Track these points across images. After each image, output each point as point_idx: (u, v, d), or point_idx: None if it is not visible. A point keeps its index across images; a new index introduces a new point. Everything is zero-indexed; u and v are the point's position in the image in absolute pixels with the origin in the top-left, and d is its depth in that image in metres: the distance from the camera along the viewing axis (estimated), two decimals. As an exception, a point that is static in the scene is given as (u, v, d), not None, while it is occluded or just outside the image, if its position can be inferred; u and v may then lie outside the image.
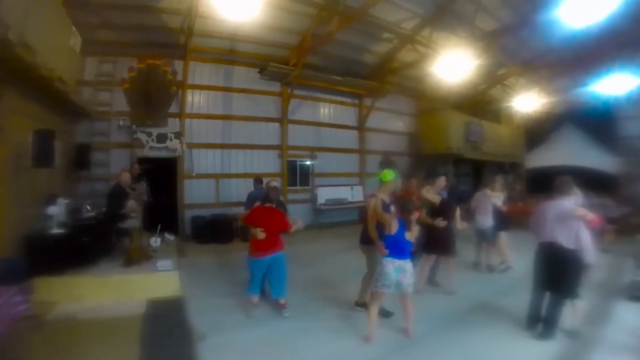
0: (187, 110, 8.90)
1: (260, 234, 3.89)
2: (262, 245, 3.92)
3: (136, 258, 5.02)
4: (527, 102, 13.35)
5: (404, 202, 3.78)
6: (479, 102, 15.95)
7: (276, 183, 4.83)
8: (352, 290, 4.45)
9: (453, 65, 9.13)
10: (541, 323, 3.78)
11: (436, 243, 4.89)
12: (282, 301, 4.10)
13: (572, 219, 3.59)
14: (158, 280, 4.63)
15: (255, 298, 4.07)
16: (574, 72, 13.27)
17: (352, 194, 11.82)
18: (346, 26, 8.77)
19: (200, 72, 9.13)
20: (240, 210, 7.94)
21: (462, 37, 9.73)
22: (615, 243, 7.93)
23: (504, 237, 6.19)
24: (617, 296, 5.07)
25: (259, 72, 9.83)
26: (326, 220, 11.05)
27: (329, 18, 8.68)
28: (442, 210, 4.93)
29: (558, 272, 3.64)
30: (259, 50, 9.54)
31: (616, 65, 8.69)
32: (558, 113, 15.49)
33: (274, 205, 4.17)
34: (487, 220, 5.93)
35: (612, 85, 8.78)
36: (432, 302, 4.56)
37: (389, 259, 3.50)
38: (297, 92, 10.61)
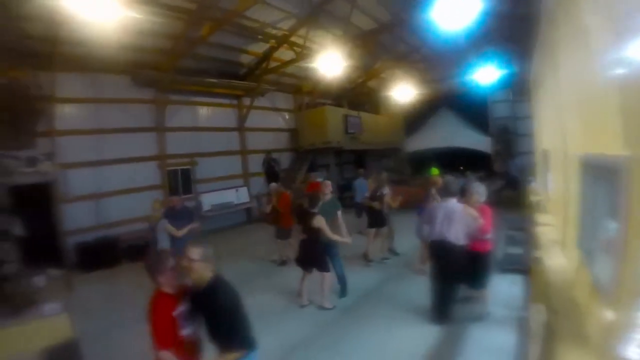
0: (56, 126, 8.25)
1: None
2: None
3: (19, 305, 4.93)
4: (404, 91, 14.16)
5: (311, 196, 4.89)
6: (357, 95, 16.92)
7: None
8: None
9: (330, 61, 9.56)
10: (439, 310, 4.28)
11: (309, 259, 4.99)
12: None
13: (461, 217, 3.99)
14: (47, 326, 4.66)
15: None
16: (447, 64, 14.77)
17: (238, 195, 11.72)
18: (219, 29, 8.70)
19: (67, 84, 8.46)
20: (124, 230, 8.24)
21: (338, 35, 10.26)
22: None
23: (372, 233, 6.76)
24: (493, 269, 5.11)
25: (132, 79, 9.42)
26: (213, 226, 10.68)
27: (201, 22, 8.54)
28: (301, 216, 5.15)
29: (451, 266, 4.07)
30: (129, 56, 8.98)
31: (484, 58, 10.25)
32: (434, 100, 17.08)
33: None
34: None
35: (482, 74, 10.33)
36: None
37: None
38: (172, 97, 10.35)
